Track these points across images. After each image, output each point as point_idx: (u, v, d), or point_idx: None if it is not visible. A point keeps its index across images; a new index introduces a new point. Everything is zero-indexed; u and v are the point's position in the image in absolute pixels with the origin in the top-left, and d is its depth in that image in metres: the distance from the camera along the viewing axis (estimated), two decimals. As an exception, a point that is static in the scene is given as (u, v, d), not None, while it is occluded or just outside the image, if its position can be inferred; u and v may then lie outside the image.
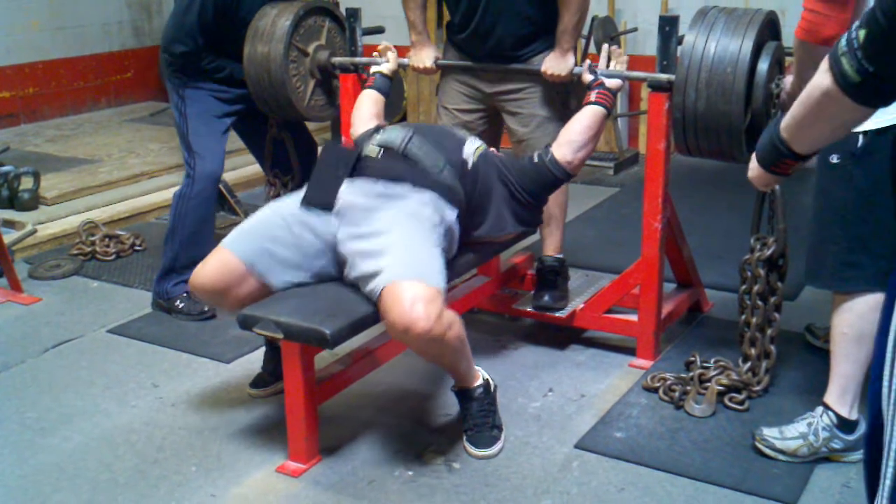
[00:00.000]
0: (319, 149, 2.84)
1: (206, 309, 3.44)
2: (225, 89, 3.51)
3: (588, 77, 2.86)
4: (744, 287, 2.72)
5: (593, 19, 5.21)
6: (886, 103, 1.28)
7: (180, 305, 3.48)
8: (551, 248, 3.28)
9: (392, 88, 3.21)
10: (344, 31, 3.51)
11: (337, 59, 3.42)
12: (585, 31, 5.30)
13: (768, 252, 2.65)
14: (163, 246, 3.57)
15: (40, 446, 2.66)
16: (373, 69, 3.17)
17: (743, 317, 2.74)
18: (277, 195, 3.63)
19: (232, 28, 3.42)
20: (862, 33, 1.22)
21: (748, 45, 2.51)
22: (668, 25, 2.75)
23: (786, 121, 1.50)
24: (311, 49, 3.41)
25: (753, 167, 1.72)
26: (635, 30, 5.64)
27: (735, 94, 2.51)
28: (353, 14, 3.39)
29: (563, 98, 3.13)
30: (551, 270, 3.25)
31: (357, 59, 3.39)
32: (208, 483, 2.46)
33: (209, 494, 2.41)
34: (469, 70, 3.19)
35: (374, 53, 3.22)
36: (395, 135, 2.66)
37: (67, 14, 6.66)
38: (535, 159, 2.76)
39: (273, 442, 2.63)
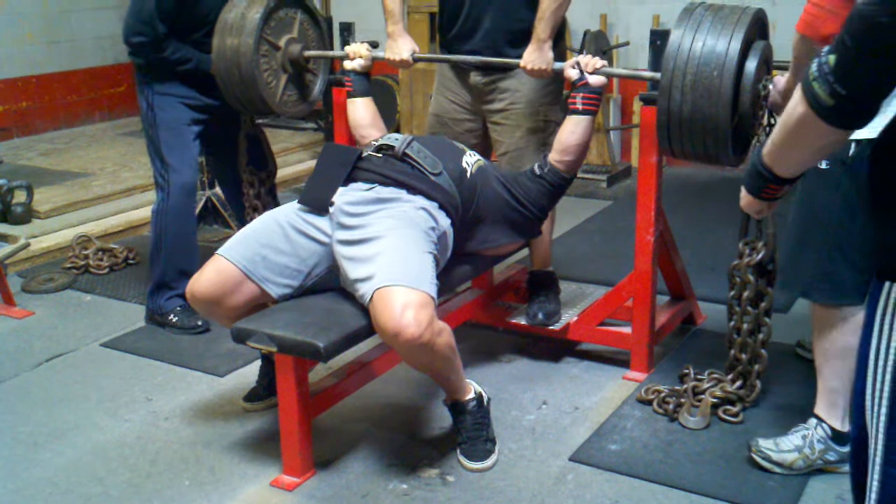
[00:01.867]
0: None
1: (199, 323, 3.44)
2: (194, 95, 3.44)
3: (572, 73, 2.78)
4: (732, 293, 2.70)
5: (585, 34, 5.24)
6: (860, 125, 1.30)
7: (174, 319, 3.47)
8: (540, 262, 3.28)
9: (384, 98, 3.18)
10: (317, 24, 3.43)
11: (309, 53, 3.34)
12: (578, 45, 5.33)
13: (758, 257, 2.64)
14: (149, 263, 3.56)
15: (33, 460, 2.65)
16: (347, 65, 3.09)
17: (732, 323, 2.73)
18: (258, 194, 3.58)
19: (194, 15, 3.33)
20: (832, 58, 1.25)
21: (735, 47, 2.40)
22: (659, 40, 2.76)
23: (767, 146, 1.53)
24: (282, 43, 3.28)
25: (744, 195, 1.74)
26: (627, 44, 5.67)
27: (722, 99, 2.41)
28: (347, 28, 3.40)
29: (549, 109, 3.13)
30: (541, 284, 3.25)
31: (329, 53, 3.33)
32: (202, 497, 2.45)
33: (203, 508, 2.41)
34: (458, 78, 3.18)
35: (346, 49, 3.14)
36: (395, 138, 2.70)
37: (61, 28, 6.67)
38: (536, 171, 2.80)
39: (267, 455, 2.62)
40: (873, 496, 1.29)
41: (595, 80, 2.75)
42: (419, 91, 6.15)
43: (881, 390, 1.29)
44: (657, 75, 2.58)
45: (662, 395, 2.81)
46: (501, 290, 3.44)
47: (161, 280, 3.49)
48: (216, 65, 3.24)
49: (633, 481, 2.46)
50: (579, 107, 2.76)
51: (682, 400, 2.77)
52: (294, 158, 5.91)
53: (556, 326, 3.18)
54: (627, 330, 3.08)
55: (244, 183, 3.62)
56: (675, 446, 2.60)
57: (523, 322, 3.24)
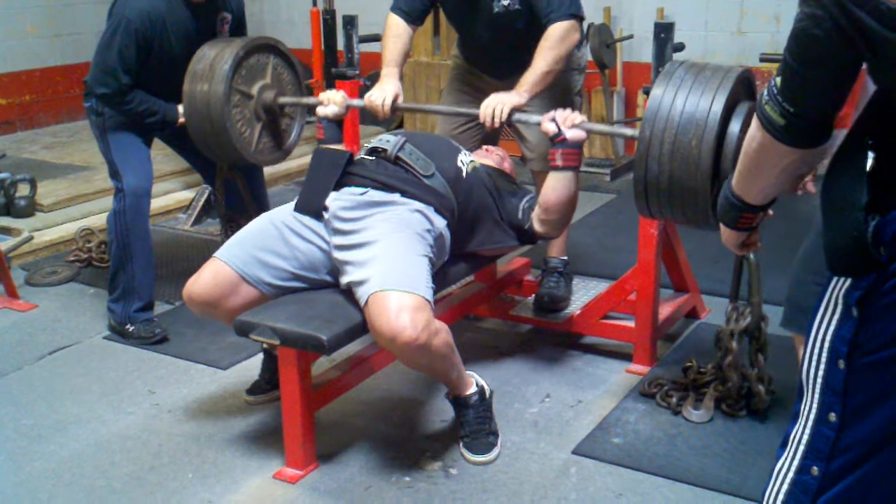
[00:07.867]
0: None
1: (157, 331, 3.32)
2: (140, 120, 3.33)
3: (549, 128, 2.62)
4: (719, 356, 2.70)
5: (589, 27, 5.22)
6: (817, 142, 1.35)
7: (132, 329, 3.34)
8: (555, 250, 3.30)
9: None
10: (291, 66, 3.32)
11: (283, 100, 3.21)
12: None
13: (744, 323, 2.64)
14: (113, 269, 3.37)
15: (36, 453, 2.65)
16: (320, 111, 2.99)
17: (729, 385, 2.70)
18: None
19: (161, 64, 3.22)
20: (778, 80, 1.32)
21: (716, 113, 2.20)
22: (663, 32, 2.76)
23: (734, 176, 1.57)
24: (254, 91, 3.17)
25: (723, 230, 1.74)
26: (631, 37, 5.66)
27: (701, 170, 2.22)
28: (350, 22, 3.39)
29: (568, 102, 3.11)
30: (555, 271, 3.27)
31: (304, 100, 3.23)
32: (205, 490, 2.46)
33: (206, 501, 2.41)
34: (473, 74, 3.23)
35: (321, 95, 3.05)
36: (388, 140, 2.68)
37: (64, 21, 6.66)
38: (520, 214, 2.77)
39: (270, 448, 2.62)
40: (801, 447, 1.40)
41: (573, 134, 2.60)
42: (422, 85, 6.14)
43: (819, 357, 1.38)
44: (636, 133, 2.40)
45: (666, 388, 2.81)
46: (505, 283, 3.44)
47: (130, 286, 3.33)
48: (188, 118, 3.14)
49: (636, 474, 2.46)
50: (559, 163, 2.62)
51: (686, 393, 2.77)
52: (298, 152, 5.89)
53: (559, 319, 3.18)
54: (631, 323, 3.07)
55: (222, 224, 3.56)
56: (678, 440, 2.60)
57: (526, 315, 3.24)
